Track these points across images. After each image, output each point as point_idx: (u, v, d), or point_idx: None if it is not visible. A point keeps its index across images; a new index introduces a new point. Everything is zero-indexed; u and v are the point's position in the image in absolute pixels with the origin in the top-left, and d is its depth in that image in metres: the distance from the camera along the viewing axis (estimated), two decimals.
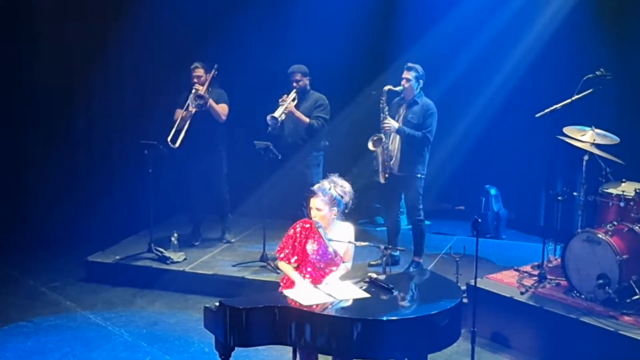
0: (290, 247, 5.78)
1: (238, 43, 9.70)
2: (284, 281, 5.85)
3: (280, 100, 8.14)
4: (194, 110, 8.34)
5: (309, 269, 5.76)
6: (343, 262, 5.86)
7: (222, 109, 8.48)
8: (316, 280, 5.73)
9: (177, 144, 8.31)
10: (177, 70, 9.33)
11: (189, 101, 8.33)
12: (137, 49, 9.81)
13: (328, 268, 5.78)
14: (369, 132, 7.89)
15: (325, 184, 5.76)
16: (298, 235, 5.78)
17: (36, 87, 9.81)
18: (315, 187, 5.77)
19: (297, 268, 5.80)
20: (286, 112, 8.11)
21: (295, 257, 5.78)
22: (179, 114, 8.41)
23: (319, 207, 5.70)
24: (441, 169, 9.17)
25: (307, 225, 5.80)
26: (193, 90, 8.33)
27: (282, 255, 5.82)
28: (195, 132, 8.41)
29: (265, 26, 9.75)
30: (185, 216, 9.31)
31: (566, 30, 8.59)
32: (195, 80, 8.41)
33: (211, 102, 8.37)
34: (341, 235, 5.79)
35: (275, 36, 9.68)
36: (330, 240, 5.72)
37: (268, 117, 8.05)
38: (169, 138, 8.31)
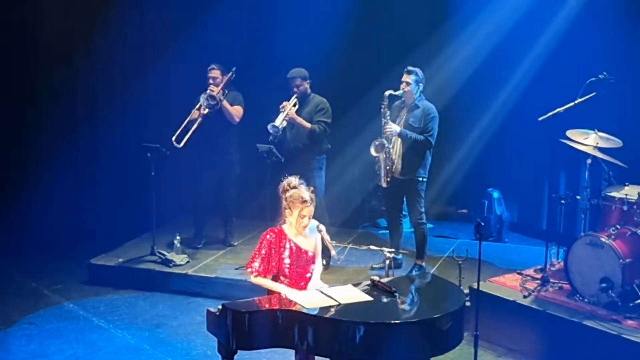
0: (264, 261, 5.54)
1: (238, 44, 9.72)
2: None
3: (280, 107, 8.14)
4: (205, 111, 8.34)
5: (287, 274, 5.63)
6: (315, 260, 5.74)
7: (236, 111, 8.49)
8: (296, 283, 5.61)
9: (182, 144, 8.30)
10: (181, 72, 9.35)
11: (201, 101, 8.34)
12: (141, 51, 9.82)
13: (305, 269, 5.67)
14: (371, 135, 7.89)
15: (306, 191, 5.56)
16: (273, 246, 5.57)
17: (39, 89, 9.82)
18: (306, 196, 5.53)
19: (275, 277, 5.65)
20: (287, 119, 8.10)
21: (273, 269, 5.57)
22: (194, 114, 8.41)
23: (312, 214, 5.60)
24: (444, 172, 9.17)
25: (274, 234, 5.61)
26: (207, 91, 8.35)
27: (257, 268, 5.53)
28: (208, 134, 8.41)
29: (267, 27, 9.76)
30: (188, 218, 9.32)
31: (570, 35, 8.60)
32: (211, 81, 8.41)
33: (225, 103, 8.37)
34: (314, 237, 5.71)
35: (276, 38, 9.68)
36: (332, 244, 5.71)
37: (269, 126, 8.04)
38: (174, 137, 8.30)
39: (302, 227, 5.58)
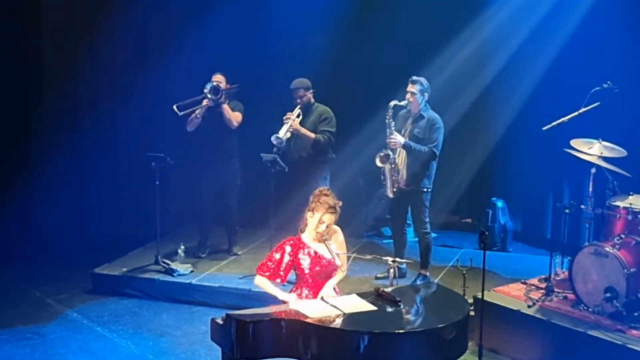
0: (275, 265, 5.69)
1: (240, 51, 9.74)
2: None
3: (284, 118, 8.15)
4: (209, 100, 8.30)
5: (308, 281, 5.74)
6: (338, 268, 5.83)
7: (235, 116, 8.50)
8: (315, 291, 5.72)
9: (182, 113, 8.21)
10: (184, 81, 9.36)
11: (207, 88, 8.28)
12: (144, 62, 9.82)
13: (324, 278, 5.76)
14: (375, 144, 7.90)
15: (334, 200, 5.73)
16: (288, 254, 5.70)
17: (43, 99, 9.83)
18: (332, 203, 5.69)
19: (296, 285, 5.78)
20: (291, 130, 8.12)
21: (282, 275, 5.71)
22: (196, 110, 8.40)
23: (333, 223, 5.72)
24: (448, 181, 9.16)
25: (292, 242, 5.75)
26: (213, 82, 8.32)
27: (264, 270, 5.70)
28: (209, 143, 8.42)
29: (268, 35, 9.77)
30: (192, 228, 9.32)
31: (574, 44, 8.60)
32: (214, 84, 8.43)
33: (225, 106, 8.37)
34: (336, 242, 5.82)
35: (280, 46, 9.70)
36: (338, 254, 5.74)
37: (273, 138, 8.05)
38: (176, 105, 8.21)
39: (318, 233, 5.68)
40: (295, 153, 8.30)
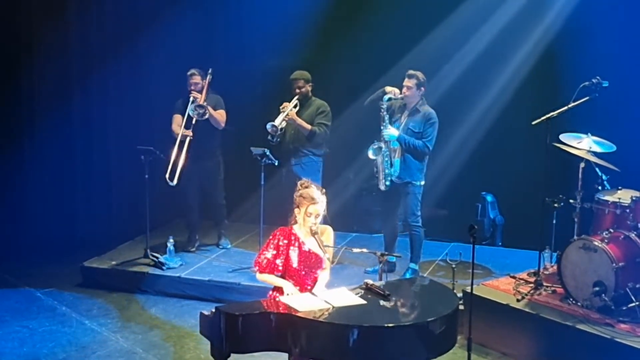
0: (270, 259, 5.64)
1: (233, 45, 9.71)
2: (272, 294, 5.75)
3: (281, 107, 8.13)
4: (194, 120, 8.27)
5: (293, 275, 5.70)
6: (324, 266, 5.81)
7: (221, 116, 8.48)
8: (301, 285, 5.68)
9: (175, 181, 8.26)
10: (173, 75, 9.33)
11: (188, 111, 8.27)
12: (135, 55, 9.80)
13: (312, 273, 5.73)
14: (366, 138, 7.89)
15: (317, 191, 5.68)
16: (281, 245, 5.66)
17: (34, 92, 9.79)
18: (315, 195, 5.64)
19: (282, 278, 5.75)
20: (287, 119, 8.10)
21: (279, 267, 5.66)
22: (178, 119, 8.36)
23: (320, 213, 5.68)
24: (438, 175, 9.18)
25: (284, 233, 5.70)
26: (191, 99, 8.29)
27: (263, 266, 5.65)
28: (194, 141, 8.38)
29: (262, 28, 9.76)
30: (181, 222, 9.32)
31: (563, 38, 8.62)
32: (192, 87, 8.37)
33: (210, 110, 8.34)
34: (325, 238, 5.76)
35: (273, 39, 9.69)
36: (327, 246, 5.72)
37: (268, 125, 8.04)
38: (167, 175, 8.26)
39: (308, 227, 5.63)
40: (289, 145, 8.29)
